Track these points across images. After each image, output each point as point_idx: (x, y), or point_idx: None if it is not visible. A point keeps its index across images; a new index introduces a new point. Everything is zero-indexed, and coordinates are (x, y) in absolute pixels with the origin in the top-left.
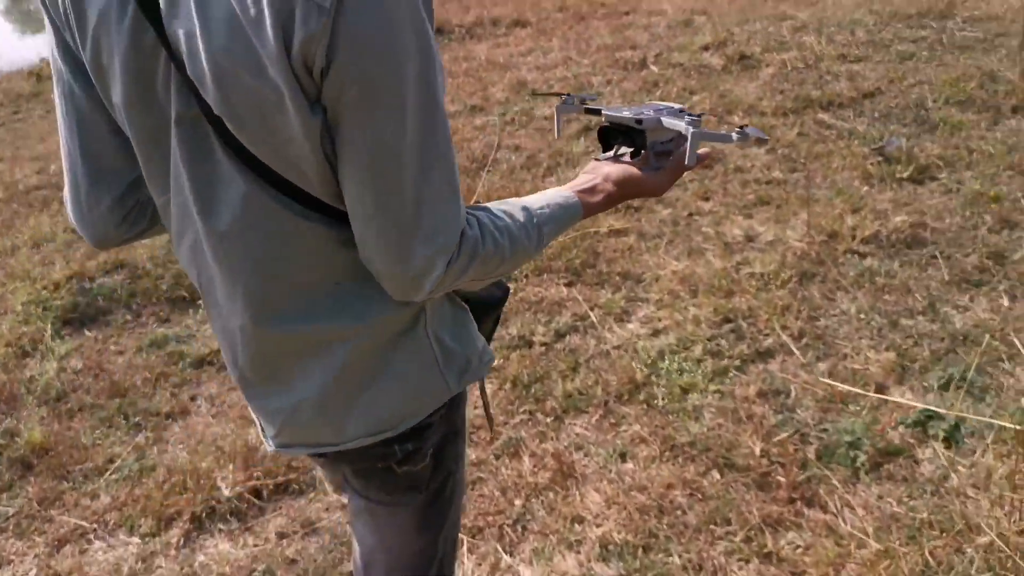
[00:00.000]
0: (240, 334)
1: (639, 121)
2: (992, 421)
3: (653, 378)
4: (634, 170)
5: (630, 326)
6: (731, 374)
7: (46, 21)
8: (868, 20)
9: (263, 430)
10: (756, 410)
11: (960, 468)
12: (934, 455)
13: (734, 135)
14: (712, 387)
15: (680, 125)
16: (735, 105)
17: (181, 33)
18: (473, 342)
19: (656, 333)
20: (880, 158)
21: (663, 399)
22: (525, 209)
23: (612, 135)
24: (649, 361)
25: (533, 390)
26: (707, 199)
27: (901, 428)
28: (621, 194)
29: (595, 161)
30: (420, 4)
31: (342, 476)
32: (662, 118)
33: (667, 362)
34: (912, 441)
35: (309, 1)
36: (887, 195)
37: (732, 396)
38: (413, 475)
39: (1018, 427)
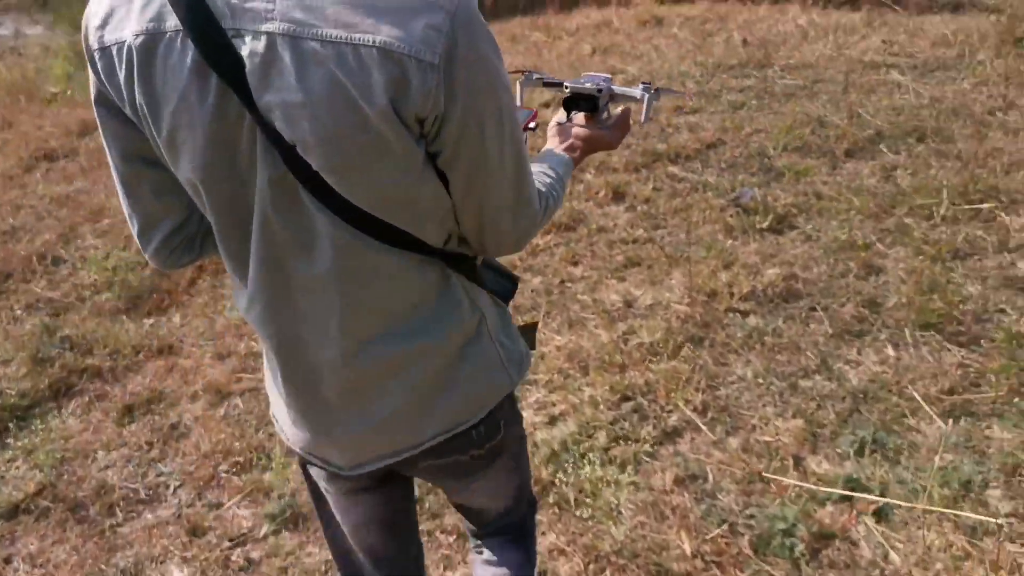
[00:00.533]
0: (327, 368)
1: (599, 90)
2: (916, 501)
3: (560, 476)
4: (594, 130)
5: (525, 414)
6: (643, 461)
7: (93, 88)
8: (695, 72)
9: (326, 463)
10: (676, 501)
11: (898, 545)
12: (868, 533)
13: (645, 94)
14: (625, 479)
15: (635, 92)
16: (585, 164)
17: (277, 103)
18: (519, 338)
19: (553, 420)
20: (737, 209)
21: (575, 500)
22: (553, 169)
23: (572, 103)
24: (551, 455)
25: (428, 504)
26: (576, 263)
27: (829, 506)
28: (590, 149)
29: (558, 125)
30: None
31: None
32: (614, 87)
33: (572, 455)
34: (843, 519)
35: (421, 62)
36: (752, 247)
37: (649, 487)
38: (493, 447)
39: (943, 508)
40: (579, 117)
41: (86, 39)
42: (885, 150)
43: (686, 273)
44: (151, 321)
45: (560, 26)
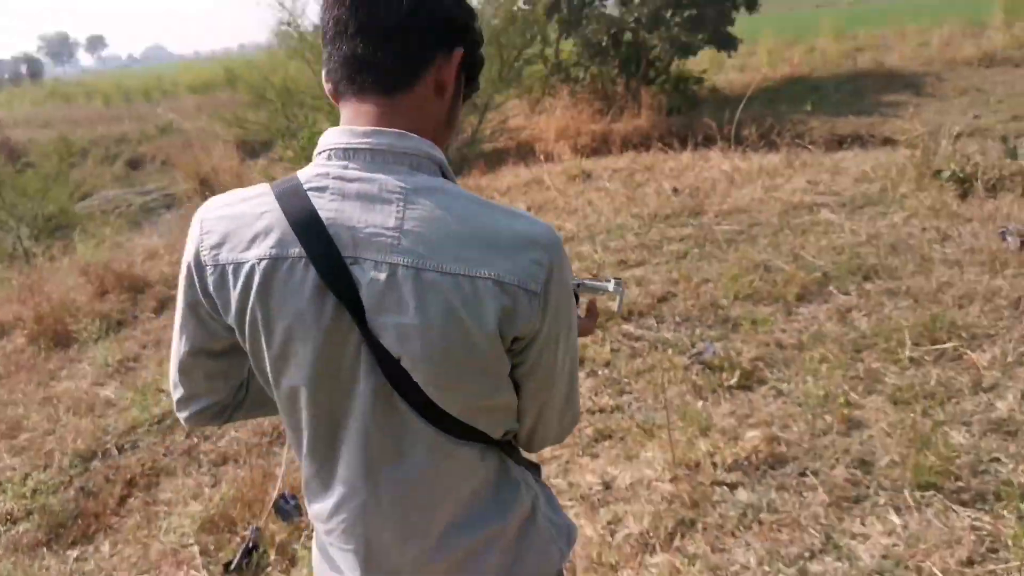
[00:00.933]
0: (410, 567)
1: (578, 285)
2: None
3: None
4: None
5: None
6: None
7: (184, 295)
8: (633, 223)
9: None
10: None
11: None
12: None
13: (611, 286)
14: None
15: (608, 286)
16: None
17: (392, 324)
18: (562, 511)
19: None
20: (701, 366)
21: None
22: None
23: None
24: None
25: None
26: None
27: None
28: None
29: None
30: None
31: None
32: (586, 282)
33: None
34: None
35: (528, 292)
36: (724, 408)
37: None
38: None
39: None
40: None
41: (197, 255)
42: (835, 291)
43: (663, 444)
44: (75, 553)
45: (492, 186)
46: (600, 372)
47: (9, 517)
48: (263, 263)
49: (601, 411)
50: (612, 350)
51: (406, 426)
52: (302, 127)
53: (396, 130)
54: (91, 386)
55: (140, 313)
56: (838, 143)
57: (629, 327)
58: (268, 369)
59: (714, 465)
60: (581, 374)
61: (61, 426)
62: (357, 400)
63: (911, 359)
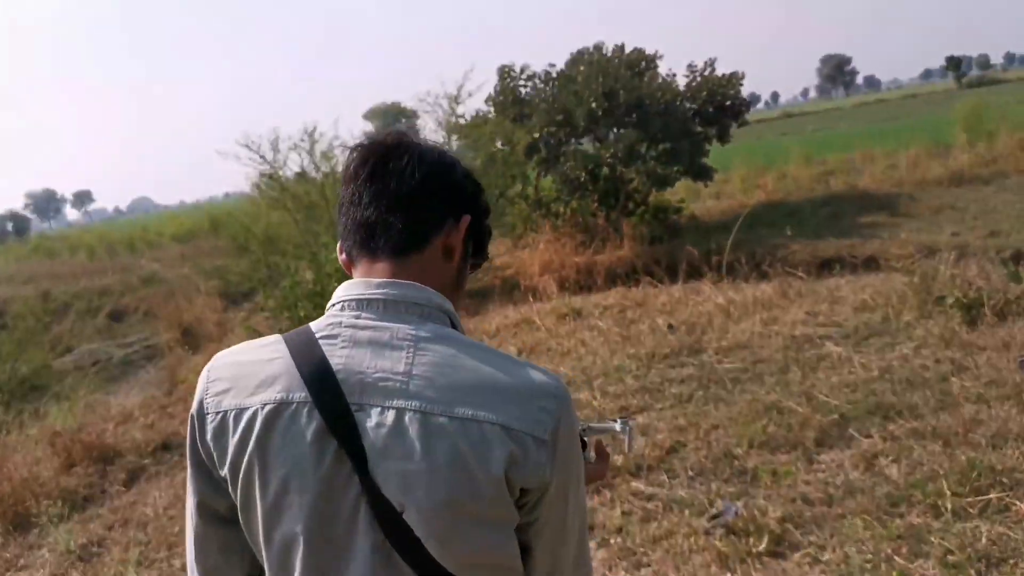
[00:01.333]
0: None
1: (584, 430)
2: None
3: None
4: (587, 466)
5: None
6: None
7: (191, 472)
8: (631, 365)
9: None
10: None
11: None
12: None
13: (617, 426)
14: None
15: (614, 427)
16: None
17: (395, 471)
18: None
19: None
20: (723, 530)
21: None
22: None
23: None
24: None
25: None
26: None
27: None
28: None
29: None
30: None
31: None
32: (593, 425)
33: None
34: None
35: (536, 439)
36: None
37: None
38: None
39: None
40: None
41: (201, 403)
42: (856, 434)
43: None
44: None
45: (480, 328)
46: (612, 541)
47: None
48: (267, 408)
49: None
50: (623, 513)
51: None
52: (284, 275)
53: (408, 282)
54: None
55: (109, 487)
56: (821, 266)
57: (639, 484)
58: (260, 522)
59: None
60: (592, 543)
61: None
62: (355, 559)
63: (954, 512)
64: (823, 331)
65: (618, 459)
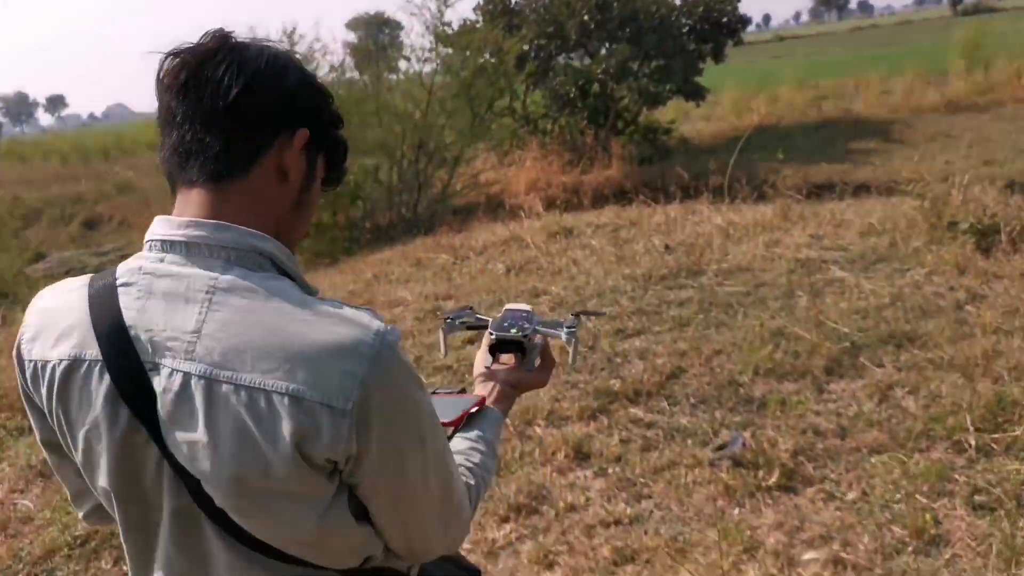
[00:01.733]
0: None
1: (525, 336)
2: None
3: None
4: (524, 374)
5: None
6: None
7: (20, 384)
8: (626, 286)
9: None
10: None
11: None
12: None
13: (563, 335)
14: None
15: (559, 335)
16: (532, 414)
17: (183, 440)
18: None
19: None
20: (729, 462)
21: None
22: (482, 439)
23: (499, 347)
24: None
25: None
26: (551, 566)
27: None
28: (519, 394)
29: (485, 371)
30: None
31: None
32: (540, 329)
33: None
34: None
35: (333, 409)
36: (768, 517)
37: None
38: None
39: None
40: (504, 358)
41: (18, 347)
42: (868, 363)
43: (699, 568)
44: None
45: (467, 245)
46: (611, 471)
47: None
48: (63, 364)
49: (618, 523)
50: (621, 441)
51: (211, 548)
52: None
53: (215, 221)
54: (8, 494)
55: None
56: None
57: (638, 411)
58: (82, 470)
59: None
60: (589, 472)
61: None
62: (163, 522)
63: (978, 449)
64: (828, 255)
65: (615, 383)
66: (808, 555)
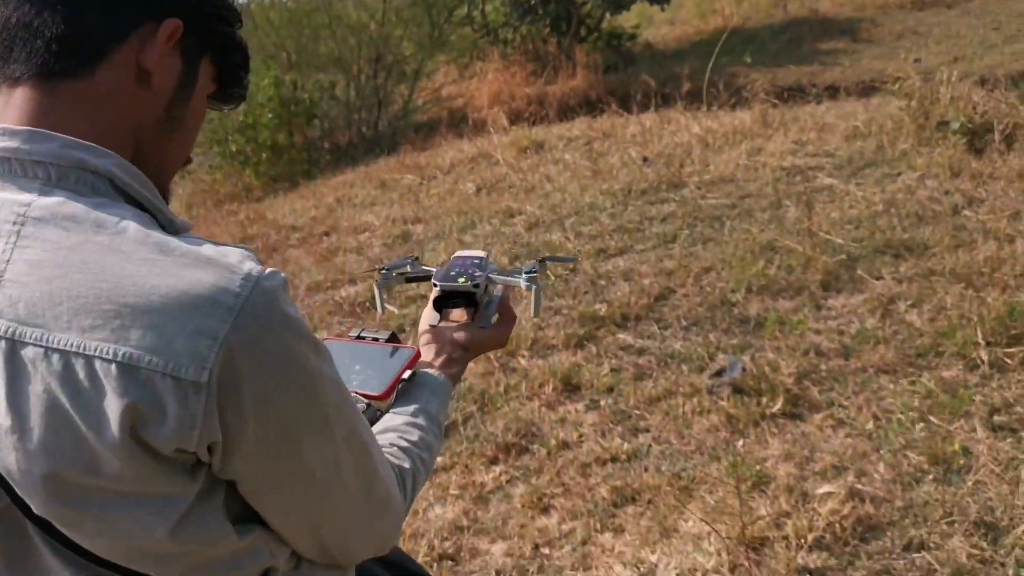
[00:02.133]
0: None
1: (476, 285)
2: None
3: None
4: (477, 331)
5: None
6: None
7: None
8: (604, 202)
9: None
10: None
11: None
12: None
13: (522, 281)
14: None
15: (518, 282)
16: (515, 344)
17: None
18: None
19: None
20: (729, 389)
21: None
22: (422, 411)
23: (445, 300)
24: None
25: None
26: (546, 510)
27: None
28: (472, 356)
29: (430, 328)
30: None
31: None
32: (495, 277)
33: None
34: None
35: (179, 380)
36: (775, 447)
37: None
38: None
39: None
40: (455, 314)
41: None
42: (866, 276)
43: (706, 507)
44: None
45: (433, 164)
46: (603, 403)
47: None
48: None
49: (614, 460)
50: (612, 370)
51: (41, 562)
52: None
53: (31, 128)
54: None
55: None
56: (803, 98)
57: (627, 337)
58: None
59: (786, 542)
60: (580, 405)
61: None
62: None
63: (991, 364)
64: (814, 162)
65: (600, 307)
66: (822, 488)
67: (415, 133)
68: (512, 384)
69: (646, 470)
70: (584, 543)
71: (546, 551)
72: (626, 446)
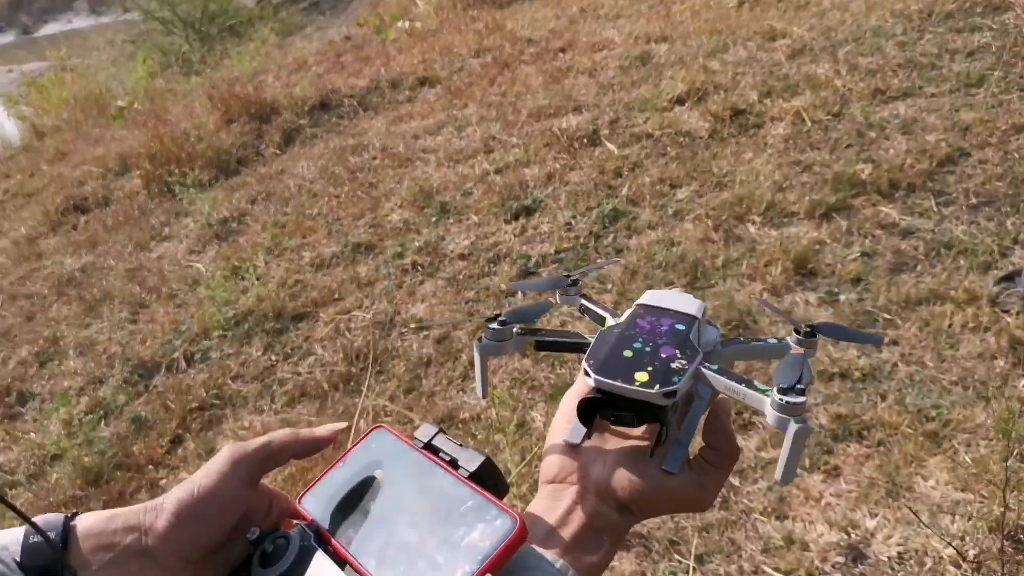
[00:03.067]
0: None
1: (671, 394)
2: None
3: None
4: (656, 478)
5: None
6: None
7: None
8: (895, 27)
9: None
10: None
11: None
12: None
13: (774, 401)
14: None
15: (760, 402)
16: (745, 206)
17: None
18: None
19: None
20: (1021, 303)
21: None
22: None
23: (604, 405)
24: None
25: None
26: (745, 427)
27: None
28: (637, 521)
29: (567, 451)
30: None
31: None
32: (714, 378)
33: None
34: None
35: None
36: None
37: None
38: None
39: None
40: (611, 434)
41: None
42: None
43: (958, 467)
44: None
45: None
46: (843, 298)
47: (43, 457)
48: None
49: (844, 376)
50: (863, 254)
51: None
52: None
53: None
54: (187, 255)
55: (264, 148)
56: None
57: (891, 210)
58: None
59: None
60: (812, 296)
61: (134, 319)
62: None
63: None
64: None
65: (863, 168)
66: None
67: None
68: (733, 258)
69: (883, 398)
70: (785, 490)
71: (735, 482)
72: (862, 360)
